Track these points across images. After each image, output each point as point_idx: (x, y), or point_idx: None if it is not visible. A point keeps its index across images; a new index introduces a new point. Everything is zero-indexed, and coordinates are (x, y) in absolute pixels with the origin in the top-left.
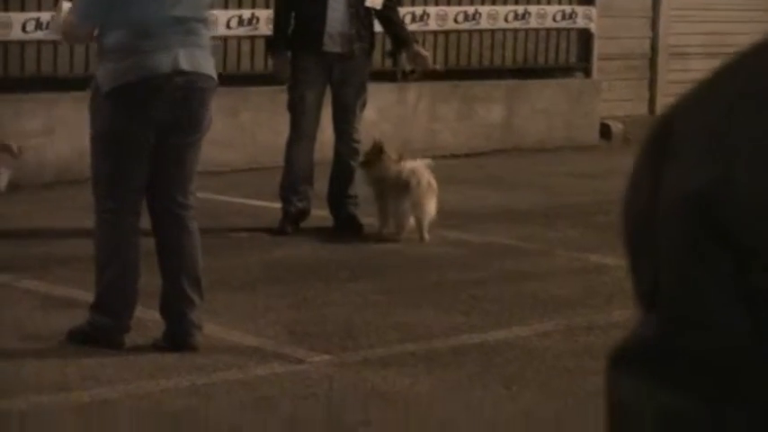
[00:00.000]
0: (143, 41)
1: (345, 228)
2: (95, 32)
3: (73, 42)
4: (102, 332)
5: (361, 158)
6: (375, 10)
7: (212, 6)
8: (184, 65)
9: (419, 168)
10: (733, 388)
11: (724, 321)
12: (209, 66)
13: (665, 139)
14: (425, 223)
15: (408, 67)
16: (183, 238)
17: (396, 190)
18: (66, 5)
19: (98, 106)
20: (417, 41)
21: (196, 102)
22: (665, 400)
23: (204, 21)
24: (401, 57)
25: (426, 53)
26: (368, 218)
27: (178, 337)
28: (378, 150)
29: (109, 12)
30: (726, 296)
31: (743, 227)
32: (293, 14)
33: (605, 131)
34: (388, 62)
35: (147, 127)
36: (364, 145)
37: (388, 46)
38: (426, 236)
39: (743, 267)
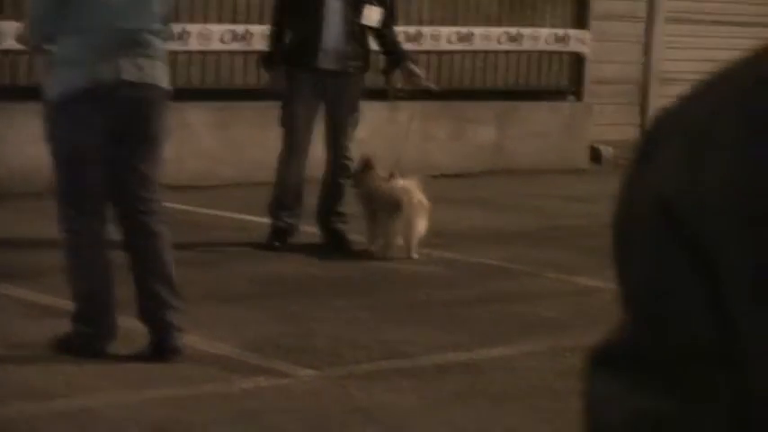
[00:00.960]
0: (88, 52)
1: (334, 245)
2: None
3: (28, 48)
4: (82, 340)
5: (350, 175)
6: (371, 28)
7: (170, 19)
8: (127, 75)
9: (410, 186)
10: (705, 388)
11: (691, 323)
12: (158, 76)
13: (647, 147)
14: (414, 242)
15: (399, 85)
16: (150, 243)
17: (387, 208)
18: None
19: (49, 118)
20: (413, 60)
21: (145, 112)
22: (639, 401)
23: (156, 32)
24: (393, 75)
25: (420, 72)
26: (357, 235)
27: (159, 342)
28: (367, 167)
29: (58, 22)
30: (692, 298)
31: (708, 230)
32: (289, 30)
33: (596, 155)
34: (381, 81)
35: (97, 135)
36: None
37: (382, 64)
38: (415, 254)
39: (709, 270)
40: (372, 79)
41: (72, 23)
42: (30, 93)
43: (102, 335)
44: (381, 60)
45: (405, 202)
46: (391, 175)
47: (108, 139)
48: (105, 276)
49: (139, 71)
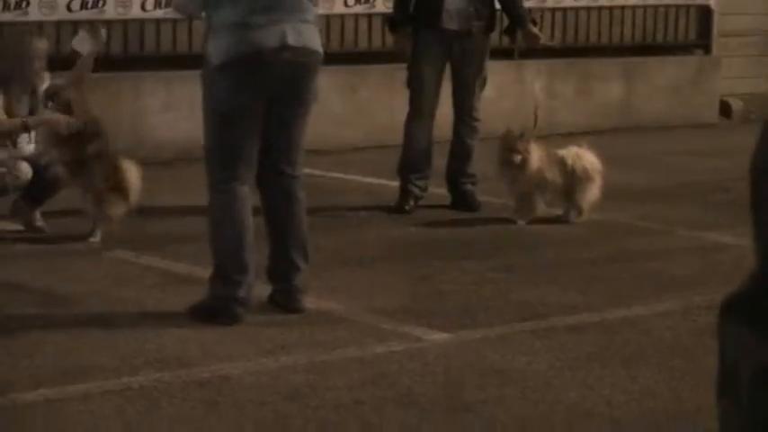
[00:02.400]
0: (251, 17)
1: (463, 206)
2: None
3: (185, 16)
4: (221, 303)
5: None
6: None
7: None
8: (291, 40)
9: (580, 152)
10: None
11: None
12: (315, 41)
13: None
14: (585, 207)
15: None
16: (291, 206)
17: (566, 177)
18: None
19: (209, 80)
20: (535, 21)
21: (303, 76)
22: (764, 357)
23: None
24: (520, 35)
25: (538, 32)
26: (487, 196)
27: (284, 301)
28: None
29: None
30: None
31: None
32: None
33: (725, 109)
34: (506, 40)
35: (257, 100)
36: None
37: (504, 23)
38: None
39: None
40: (497, 39)
41: None
42: (157, 61)
43: (240, 297)
44: (504, 20)
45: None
46: (523, 136)
47: (263, 102)
48: (248, 237)
49: (299, 35)
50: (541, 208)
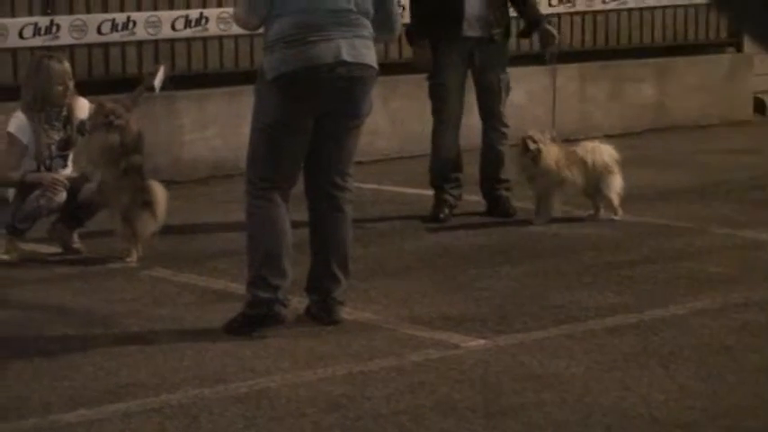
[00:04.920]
0: (306, 32)
1: (498, 212)
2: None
3: (246, 29)
4: (263, 308)
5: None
6: None
7: None
8: (346, 56)
9: (597, 148)
10: None
11: None
12: (370, 56)
13: None
14: (613, 202)
15: (548, 51)
16: (338, 219)
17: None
18: None
19: (262, 93)
20: (550, 21)
21: (357, 91)
22: None
23: (366, 12)
24: (545, 39)
25: (555, 31)
26: (520, 201)
27: (321, 313)
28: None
29: (273, 3)
30: None
31: None
32: (431, 1)
33: (759, 106)
34: (536, 45)
35: (309, 115)
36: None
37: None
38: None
39: None
40: (527, 45)
41: (286, 5)
42: (189, 80)
43: (281, 299)
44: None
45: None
46: (552, 139)
47: (314, 118)
48: (287, 242)
49: (354, 50)
50: (559, 208)
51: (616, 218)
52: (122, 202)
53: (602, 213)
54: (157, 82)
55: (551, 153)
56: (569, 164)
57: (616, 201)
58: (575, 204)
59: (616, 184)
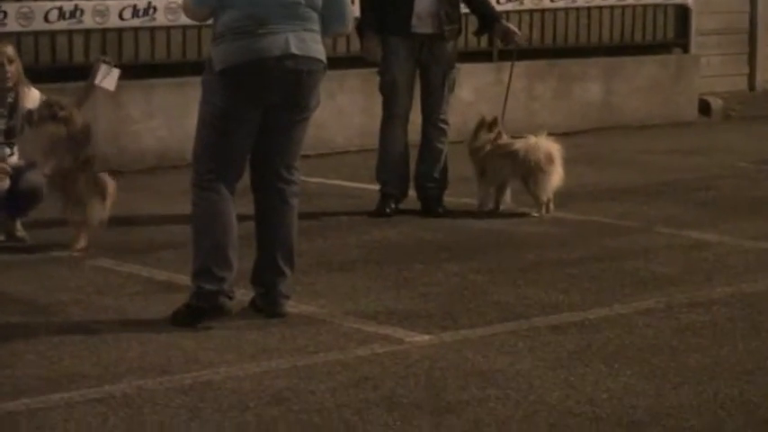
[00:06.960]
0: (255, 24)
1: (428, 210)
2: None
3: (195, 21)
4: (207, 299)
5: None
6: None
7: None
8: (294, 49)
9: (539, 142)
10: None
11: None
12: (318, 49)
13: None
14: (542, 198)
15: (501, 45)
16: (284, 212)
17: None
18: None
19: (209, 84)
20: (505, 18)
21: (305, 84)
22: None
23: (315, 6)
24: (496, 36)
25: (515, 28)
26: (468, 198)
27: (266, 306)
28: (482, 126)
29: None
30: None
31: None
32: None
33: (704, 107)
34: (484, 42)
35: (256, 107)
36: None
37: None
38: (535, 213)
39: None
40: (475, 41)
41: None
42: (136, 70)
43: (226, 291)
44: (474, 22)
45: (533, 158)
46: (498, 135)
47: (261, 110)
48: (231, 234)
49: (303, 43)
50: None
51: (536, 215)
52: (74, 192)
53: (534, 210)
54: (98, 80)
55: (481, 139)
56: (499, 155)
57: (542, 198)
58: (520, 201)
59: (545, 182)
